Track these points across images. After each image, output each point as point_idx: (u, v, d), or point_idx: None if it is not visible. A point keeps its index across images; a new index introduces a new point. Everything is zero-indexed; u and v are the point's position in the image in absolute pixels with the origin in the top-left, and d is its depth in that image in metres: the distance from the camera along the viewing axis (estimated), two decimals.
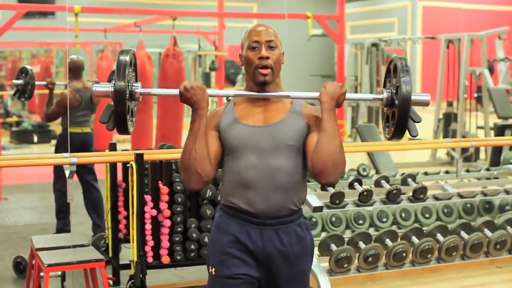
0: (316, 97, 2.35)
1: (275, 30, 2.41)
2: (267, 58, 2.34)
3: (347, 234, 4.47)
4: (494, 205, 5.07)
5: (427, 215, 4.80)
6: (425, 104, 2.39)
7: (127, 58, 2.30)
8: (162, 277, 4.62)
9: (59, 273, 4.00)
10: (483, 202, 5.03)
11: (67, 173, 3.66)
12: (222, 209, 2.43)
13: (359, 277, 4.47)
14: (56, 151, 5.37)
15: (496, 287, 4.68)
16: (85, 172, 5.51)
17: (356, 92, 11.81)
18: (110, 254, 4.18)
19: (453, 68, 9.90)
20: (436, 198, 4.59)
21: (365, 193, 4.29)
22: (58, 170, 5.31)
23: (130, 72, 2.34)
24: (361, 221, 4.60)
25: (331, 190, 4.29)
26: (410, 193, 4.52)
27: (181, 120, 7.77)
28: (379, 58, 11.52)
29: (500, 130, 8.55)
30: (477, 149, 9.47)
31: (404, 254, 4.27)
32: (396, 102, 2.32)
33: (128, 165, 3.89)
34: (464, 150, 7.07)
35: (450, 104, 10.04)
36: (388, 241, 4.30)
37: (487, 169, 5.26)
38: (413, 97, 2.30)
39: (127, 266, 4.08)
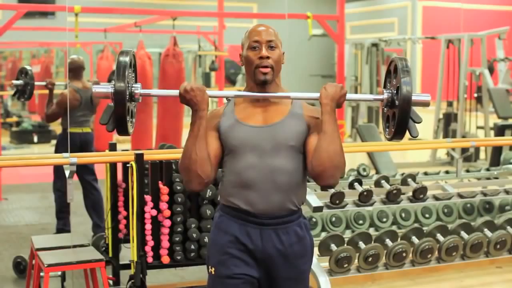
0: (316, 98, 2.35)
1: (275, 30, 2.41)
2: (268, 58, 2.34)
3: (347, 234, 4.47)
4: (494, 205, 5.07)
5: (427, 215, 4.80)
6: (425, 104, 2.39)
7: (126, 59, 2.29)
8: (162, 277, 4.62)
9: (59, 273, 4.00)
10: (483, 202, 5.03)
11: (67, 173, 3.66)
12: (222, 209, 2.43)
13: (359, 277, 4.47)
14: (56, 151, 5.37)
15: (496, 287, 4.68)
16: (85, 172, 5.51)
17: (356, 92, 11.83)
18: (110, 254, 4.18)
19: (453, 68, 9.90)
20: (436, 198, 4.58)
21: (365, 193, 4.28)
22: (58, 170, 5.31)
23: (130, 73, 2.33)
24: (361, 221, 4.60)
25: (331, 190, 4.29)
26: (410, 193, 4.52)
27: (181, 120, 7.76)
28: (379, 58, 11.52)
29: (500, 130, 8.55)
30: (477, 149, 9.47)
31: (404, 254, 4.27)
32: (397, 103, 2.32)
33: (128, 165, 3.89)
34: (464, 150, 7.09)
35: (450, 104, 10.04)
36: (388, 241, 4.30)
37: (487, 169, 5.26)
38: (413, 98, 2.30)
39: (127, 266, 4.08)
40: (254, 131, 2.34)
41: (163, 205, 3.76)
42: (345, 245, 4.20)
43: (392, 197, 4.35)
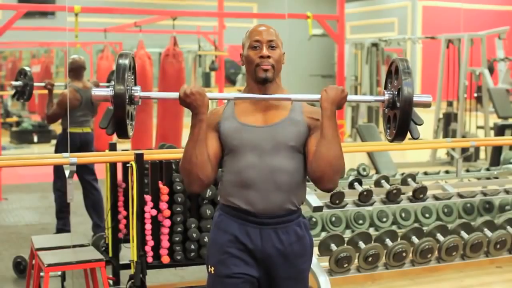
0: (317, 100, 2.35)
1: (276, 30, 2.41)
2: (268, 57, 2.34)
3: (347, 234, 4.46)
4: (494, 205, 5.07)
5: (427, 215, 4.80)
6: (426, 105, 2.38)
7: (126, 61, 2.28)
8: (162, 277, 4.62)
9: (59, 273, 4.00)
10: (483, 202, 5.03)
11: (67, 173, 3.66)
12: (221, 208, 2.43)
13: (359, 277, 4.47)
14: (56, 151, 5.36)
15: (496, 287, 4.68)
16: (85, 172, 5.51)
17: (356, 92, 11.83)
18: (110, 254, 4.18)
19: (453, 68, 9.89)
20: (436, 198, 4.58)
21: (365, 193, 4.28)
22: (58, 170, 5.31)
23: (129, 75, 2.31)
24: (361, 221, 4.60)
25: None
26: (410, 193, 4.52)
27: (181, 120, 7.77)
28: (379, 58, 11.52)
29: (500, 130, 8.55)
30: (477, 149, 9.47)
31: (404, 254, 4.27)
32: (398, 104, 2.31)
33: (128, 165, 3.89)
34: (464, 150, 7.08)
35: (450, 104, 10.04)
36: (388, 241, 4.30)
37: (487, 169, 5.26)
38: (415, 99, 2.29)
39: (127, 266, 4.08)
40: (254, 131, 2.34)
41: (163, 205, 3.76)
42: (345, 245, 4.20)
43: (392, 197, 4.35)
